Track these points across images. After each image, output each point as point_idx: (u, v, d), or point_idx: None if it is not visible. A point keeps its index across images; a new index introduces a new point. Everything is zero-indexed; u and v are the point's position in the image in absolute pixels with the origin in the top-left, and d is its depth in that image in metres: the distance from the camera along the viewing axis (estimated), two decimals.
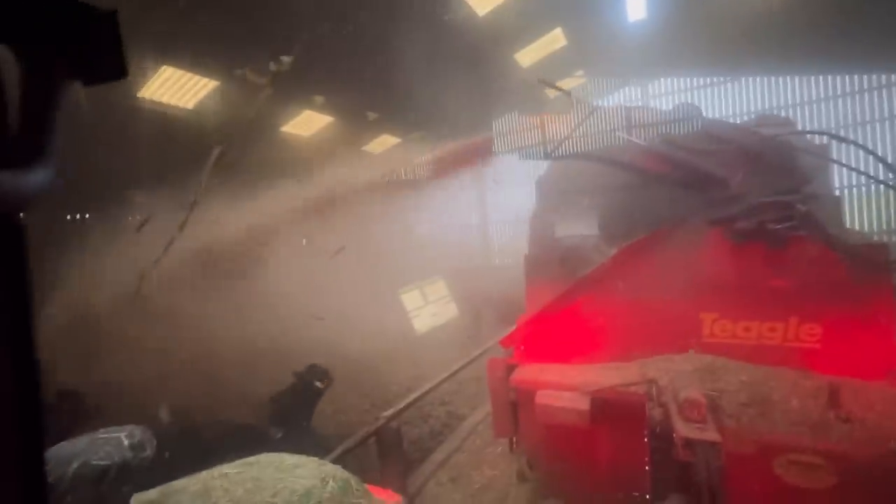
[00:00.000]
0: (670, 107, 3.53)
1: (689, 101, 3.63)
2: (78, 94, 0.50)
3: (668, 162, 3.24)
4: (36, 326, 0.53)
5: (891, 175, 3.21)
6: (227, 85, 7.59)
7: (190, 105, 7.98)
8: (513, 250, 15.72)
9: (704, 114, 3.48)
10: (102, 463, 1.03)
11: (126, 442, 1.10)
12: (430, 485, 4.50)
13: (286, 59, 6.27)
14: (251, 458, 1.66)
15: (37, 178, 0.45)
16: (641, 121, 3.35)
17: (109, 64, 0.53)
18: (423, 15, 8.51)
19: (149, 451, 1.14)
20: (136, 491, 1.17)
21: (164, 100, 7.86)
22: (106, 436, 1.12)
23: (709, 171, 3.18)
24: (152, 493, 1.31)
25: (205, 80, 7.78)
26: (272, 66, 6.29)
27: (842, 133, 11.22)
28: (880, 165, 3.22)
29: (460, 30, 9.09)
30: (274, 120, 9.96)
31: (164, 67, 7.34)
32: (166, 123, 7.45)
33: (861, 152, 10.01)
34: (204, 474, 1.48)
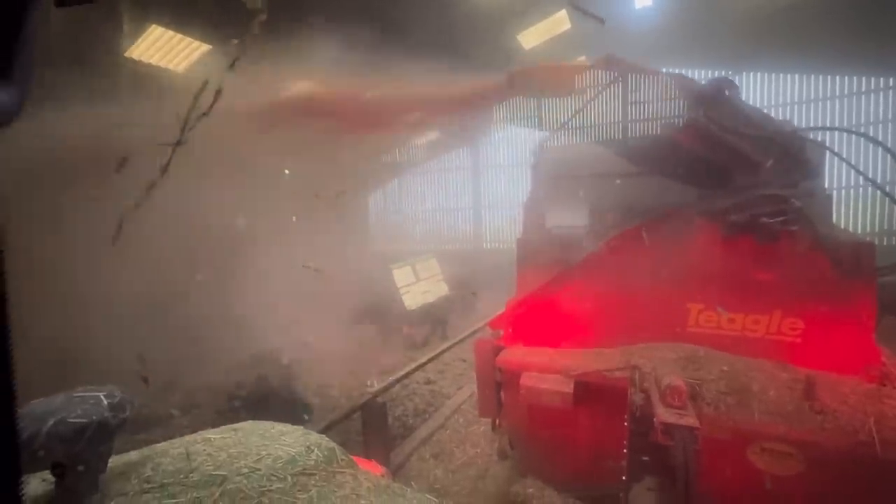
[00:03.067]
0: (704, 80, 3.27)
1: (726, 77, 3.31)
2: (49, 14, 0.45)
3: (708, 138, 3.02)
4: (6, 275, 0.49)
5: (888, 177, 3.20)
6: (218, 47, 7.34)
7: (179, 67, 7.73)
8: (504, 234, 15.82)
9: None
10: (79, 421, 1.01)
11: (105, 401, 1.08)
12: (413, 460, 4.58)
13: None
14: (236, 425, 1.65)
15: (6, 97, 0.41)
16: (676, 90, 3.11)
17: None
18: None
19: (128, 412, 1.12)
20: (115, 452, 1.16)
21: (153, 61, 7.60)
22: (84, 394, 1.09)
23: (746, 154, 3.02)
24: (132, 455, 1.30)
25: (196, 43, 7.52)
26: None
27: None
28: (879, 167, 3.21)
29: (463, 6, 8.83)
30: (269, 85, 9.67)
31: (152, 27, 7.08)
32: (153, 82, 7.21)
33: (857, 155, 10.11)
34: (186, 438, 1.46)
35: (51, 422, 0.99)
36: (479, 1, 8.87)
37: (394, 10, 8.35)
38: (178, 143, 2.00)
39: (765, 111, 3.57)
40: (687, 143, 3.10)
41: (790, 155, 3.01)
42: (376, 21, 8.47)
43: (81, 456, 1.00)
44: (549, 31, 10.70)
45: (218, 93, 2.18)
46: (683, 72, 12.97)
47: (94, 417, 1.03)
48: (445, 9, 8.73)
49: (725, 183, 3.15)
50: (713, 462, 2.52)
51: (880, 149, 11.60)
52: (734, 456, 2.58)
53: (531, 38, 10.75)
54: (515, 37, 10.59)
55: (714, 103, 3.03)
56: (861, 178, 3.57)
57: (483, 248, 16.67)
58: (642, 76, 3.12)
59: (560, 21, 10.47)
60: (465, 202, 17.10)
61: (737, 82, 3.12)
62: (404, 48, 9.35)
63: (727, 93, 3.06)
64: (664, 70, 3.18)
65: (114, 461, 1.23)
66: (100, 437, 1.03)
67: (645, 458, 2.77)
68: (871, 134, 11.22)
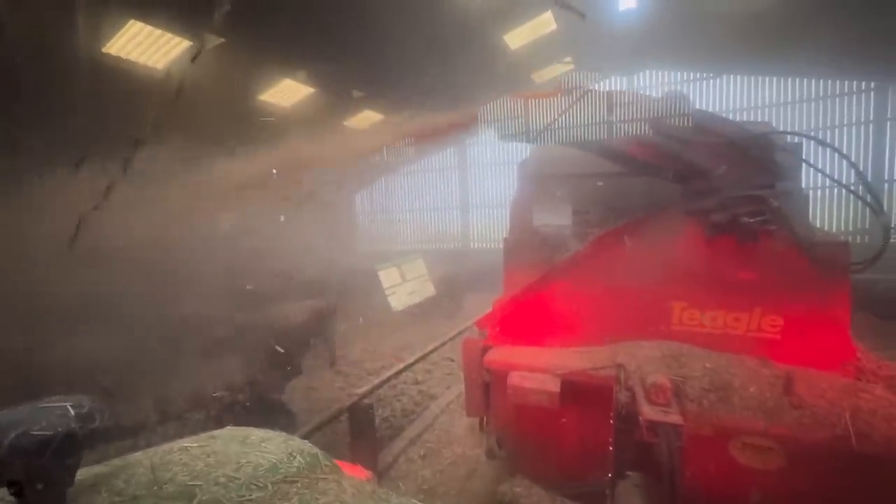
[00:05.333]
0: (659, 95, 3.51)
1: (679, 91, 3.57)
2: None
3: (655, 151, 3.23)
4: None
5: (855, 178, 3.34)
6: (198, 45, 7.18)
7: (158, 64, 7.52)
8: (492, 233, 15.87)
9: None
10: (44, 433, 0.96)
11: (73, 412, 1.03)
12: (401, 461, 4.56)
13: None
14: (215, 432, 1.60)
15: None
16: (631, 107, 3.31)
17: None
18: None
19: (98, 422, 1.07)
20: (85, 464, 1.11)
21: (131, 57, 7.39)
22: (50, 405, 1.04)
23: (694, 162, 3.17)
24: (103, 468, 1.24)
25: (176, 39, 7.34)
26: None
27: (819, 135, 11.69)
28: (851, 168, 3.32)
29: (450, 6, 8.80)
30: (251, 84, 9.56)
31: (131, 21, 6.88)
32: (129, 80, 7.00)
33: (832, 155, 10.47)
34: (163, 448, 1.41)
35: (12, 434, 0.94)
36: (464, 2, 8.85)
37: (379, 12, 8.28)
38: (141, 138, 1.93)
39: (729, 117, 3.75)
40: (639, 155, 3.27)
41: (750, 159, 3.11)
42: (362, 22, 8.41)
43: (46, 469, 0.95)
44: (535, 32, 10.76)
45: (182, 84, 2.12)
46: (666, 73, 13.20)
47: (60, 429, 0.98)
48: (431, 9, 8.69)
49: (687, 185, 3.28)
50: (696, 457, 2.56)
51: (855, 150, 12.01)
52: (716, 451, 2.62)
53: (517, 38, 10.79)
54: (502, 37, 10.61)
55: (666, 116, 3.21)
56: (836, 178, 3.70)
57: (470, 247, 16.71)
58: (596, 96, 3.35)
59: (545, 22, 10.53)
60: (452, 201, 17.12)
61: (720, 83, 3.31)
62: (390, 49, 9.31)
63: (679, 106, 3.23)
64: (619, 89, 3.42)
65: (84, 474, 1.18)
66: (66, 449, 0.98)
67: (630, 456, 2.80)
68: (851, 135, 11.63)
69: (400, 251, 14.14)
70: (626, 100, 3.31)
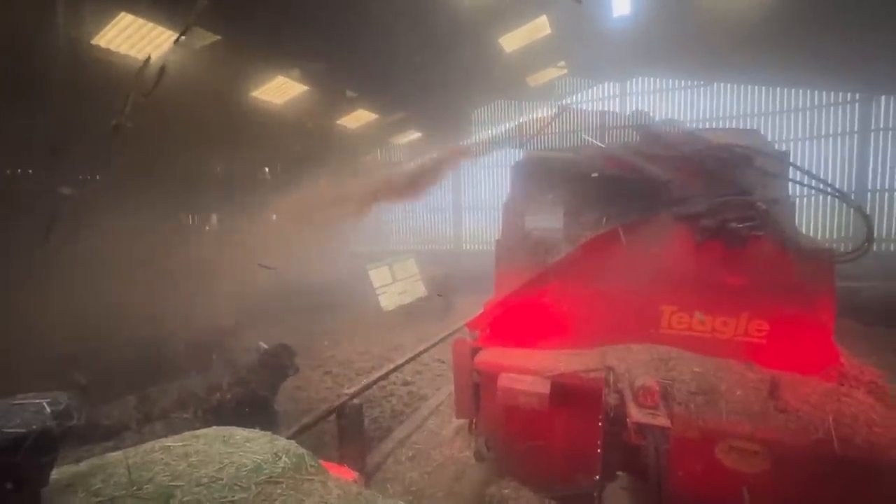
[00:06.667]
0: (629, 111, 3.92)
1: (642, 108, 4.09)
2: None
3: (617, 162, 3.49)
4: None
5: (823, 186, 3.51)
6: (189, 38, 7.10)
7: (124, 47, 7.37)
8: (484, 235, 15.90)
9: (680, 117, 3.71)
10: (17, 431, 0.92)
11: (49, 409, 1.00)
12: (389, 462, 4.52)
13: None
14: (198, 431, 1.56)
15: None
16: (604, 122, 3.69)
17: None
18: None
19: (75, 420, 1.04)
20: (61, 463, 1.07)
21: (121, 50, 7.27)
22: (24, 402, 1.01)
23: (650, 174, 3.36)
24: (82, 466, 1.21)
25: (167, 33, 7.23)
26: None
27: (806, 144, 12.01)
28: (837, 176, 3.44)
29: (445, 7, 8.82)
30: (244, 80, 9.48)
31: (121, 14, 6.77)
32: (119, 74, 6.88)
33: (819, 163, 10.74)
34: (143, 447, 1.38)
35: None
36: (460, 4, 8.87)
37: (375, 14, 8.27)
38: (118, 126, 1.90)
39: (718, 125, 4.18)
40: (611, 167, 3.52)
41: (705, 171, 3.26)
42: (358, 25, 8.39)
43: (19, 469, 0.91)
44: (530, 36, 10.83)
45: (162, 71, 2.09)
46: (658, 80, 13.43)
47: (35, 427, 0.94)
48: (428, 11, 8.71)
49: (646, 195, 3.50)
50: (683, 460, 2.58)
51: (840, 159, 12.26)
52: (703, 454, 2.64)
53: (512, 42, 10.85)
54: (497, 40, 10.66)
55: (629, 128, 3.52)
56: (814, 186, 3.85)
57: (462, 249, 16.73)
58: (575, 113, 3.72)
59: (540, 26, 10.61)
60: (444, 203, 17.13)
61: (711, 91, 3.58)
62: (385, 51, 9.28)
63: (641, 121, 3.46)
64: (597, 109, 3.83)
65: (60, 473, 1.14)
66: (41, 447, 0.95)
67: (618, 458, 2.81)
68: (836, 145, 11.90)
69: (392, 251, 14.11)
70: (598, 116, 3.63)
